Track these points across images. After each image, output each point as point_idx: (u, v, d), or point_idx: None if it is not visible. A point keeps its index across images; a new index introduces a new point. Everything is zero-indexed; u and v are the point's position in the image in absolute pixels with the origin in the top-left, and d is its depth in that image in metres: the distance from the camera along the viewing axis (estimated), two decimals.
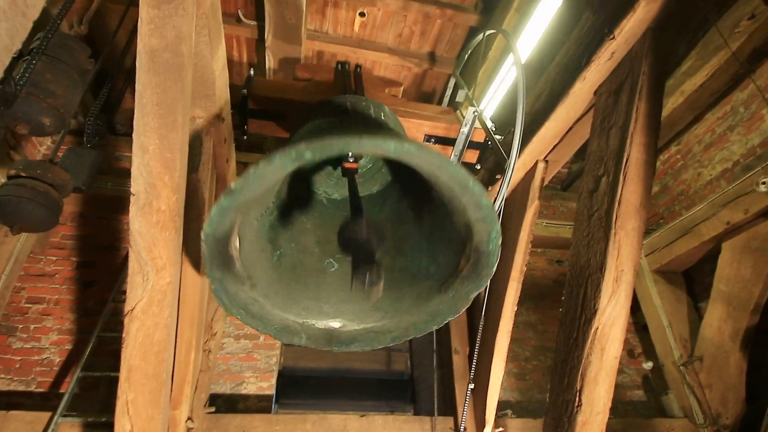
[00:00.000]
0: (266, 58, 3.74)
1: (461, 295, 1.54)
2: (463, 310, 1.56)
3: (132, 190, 1.71)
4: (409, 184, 1.78)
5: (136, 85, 1.65)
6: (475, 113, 2.58)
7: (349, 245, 1.25)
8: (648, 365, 4.35)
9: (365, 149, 1.31)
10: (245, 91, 2.38)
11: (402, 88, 2.90)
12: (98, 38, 3.79)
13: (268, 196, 1.57)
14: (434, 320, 1.58)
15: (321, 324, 1.66)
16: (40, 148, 4.04)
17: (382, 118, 1.88)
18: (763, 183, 3.35)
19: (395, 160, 1.57)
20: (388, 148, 1.17)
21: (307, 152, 1.10)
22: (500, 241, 1.35)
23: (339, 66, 2.78)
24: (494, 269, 1.43)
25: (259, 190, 1.29)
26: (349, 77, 2.66)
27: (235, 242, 1.38)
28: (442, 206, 1.55)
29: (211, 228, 1.24)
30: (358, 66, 2.81)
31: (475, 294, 1.53)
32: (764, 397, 3.31)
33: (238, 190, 1.18)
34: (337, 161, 1.75)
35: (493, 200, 2.29)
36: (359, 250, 1.21)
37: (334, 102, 1.97)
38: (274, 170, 1.18)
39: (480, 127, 2.67)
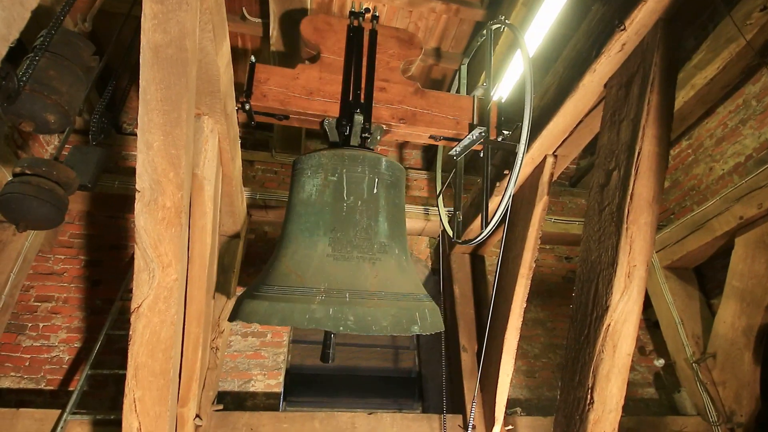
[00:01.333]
0: (271, 54, 3.72)
1: None
2: None
3: (137, 186, 1.70)
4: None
5: (140, 81, 1.64)
6: (482, 134, 2.51)
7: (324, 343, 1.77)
8: (660, 362, 4.29)
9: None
10: (248, 103, 2.33)
11: (421, 53, 2.77)
12: (103, 36, 3.79)
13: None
14: None
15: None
16: (48, 147, 4.06)
17: (375, 191, 1.98)
18: None
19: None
20: (368, 330, 1.54)
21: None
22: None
23: (352, 23, 2.61)
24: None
25: None
26: (362, 47, 2.55)
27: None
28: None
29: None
30: (374, 18, 2.62)
31: None
32: None
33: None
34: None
35: (501, 196, 2.27)
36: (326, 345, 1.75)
37: (330, 167, 2.00)
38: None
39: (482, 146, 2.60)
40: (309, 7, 3.43)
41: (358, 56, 2.54)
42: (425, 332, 1.67)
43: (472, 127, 2.60)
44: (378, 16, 2.68)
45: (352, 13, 2.64)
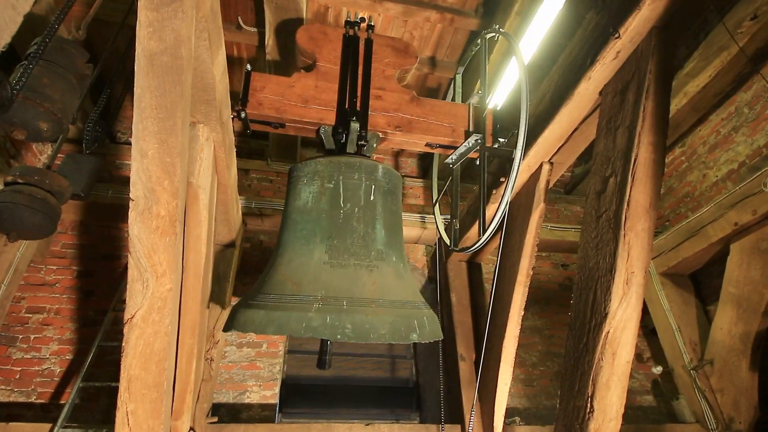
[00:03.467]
0: (266, 63, 3.73)
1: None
2: None
3: (131, 195, 1.67)
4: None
5: (134, 89, 1.63)
6: (478, 141, 2.52)
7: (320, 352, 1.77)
8: (657, 370, 4.28)
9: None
10: (243, 111, 2.32)
11: (416, 62, 2.78)
12: (97, 44, 3.78)
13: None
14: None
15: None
16: (41, 156, 4.02)
17: (371, 199, 1.97)
18: None
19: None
20: (366, 338, 1.51)
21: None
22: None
23: (347, 33, 2.62)
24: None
25: None
26: (357, 56, 2.56)
27: None
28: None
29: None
30: (370, 27, 2.64)
31: None
32: None
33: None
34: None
35: (498, 203, 2.26)
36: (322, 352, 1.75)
37: (327, 175, 1.99)
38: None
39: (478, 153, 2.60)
40: (305, 16, 3.45)
41: (353, 65, 2.55)
42: (424, 340, 1.65)
43: (468, 135, 2.60)
44: (373, 26, 2.70)
45: (347, 22, 2.65)
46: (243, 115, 2.31)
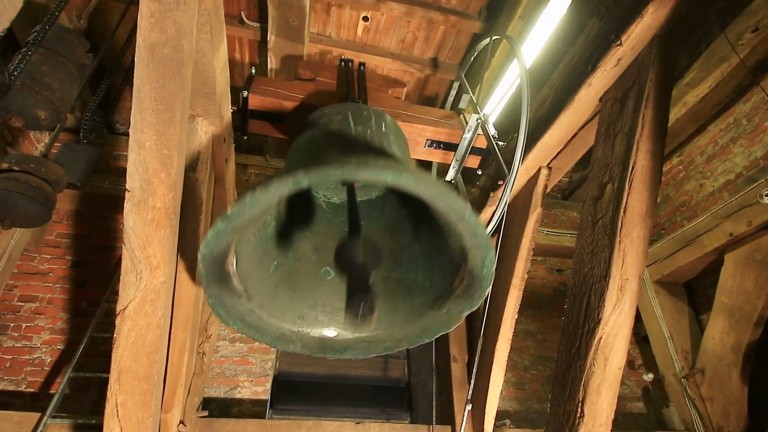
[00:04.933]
0: (268, 59, 3.72)
1: (454, 312, 1.56)
2: (455, 326, 1.58)
3: (127, 186, 1.67)
4: (408, 196, 1.78)
5: (134, 80, 1.62)
6: (479, 120, 2.55)
7: (345, 268, 1.25)
8: (648, 377, 4.30)
9: (363, 177, 1.32)
10: (245, 93, 2.34)
11: (405, 90, 2.88)
12: (98, 34, 3.76)
13: (265, 214, 1.56)
14: (426, 334, 1.61)
15: (316, 332, 1.68)
16: (38, 146, 4.00)
17: (383, 129, 1.85)
18: (767, 195, 3.33)
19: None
20: (386, 178, 1.17)
21: (304, 180, 1.11)
22: (494, 267, 1.39)
23: (342, 63, 2.77)
24: (487, 292, 1.46)
25: (255, 213, 1.29)
26: (353, 76, 2.63)
27: (232, 260, 1.40)
28: (439, 227, 1.56)
29: (207, 249, 1.27)
30: (361, 64, 2.79)
31: (467, 313, 1.54)
32: (767, 410, 3.27)
33: (235, 216, 1.20)
34: None
35: (495, 206, 2.27)
36: (355, 276, 1.20)
37: (335, 110, 1.93)
38: (271, 196, 1.20)
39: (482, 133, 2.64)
40: (308, 13, 3.44)
41: (350, 82, 2.65)
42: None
43: (465, 127, 2.63)
44: (365, 63, 2.95)
45: (341, 60, 2.88)
46: (244, 97, 2.34)
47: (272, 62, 3.72)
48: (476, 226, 1.28)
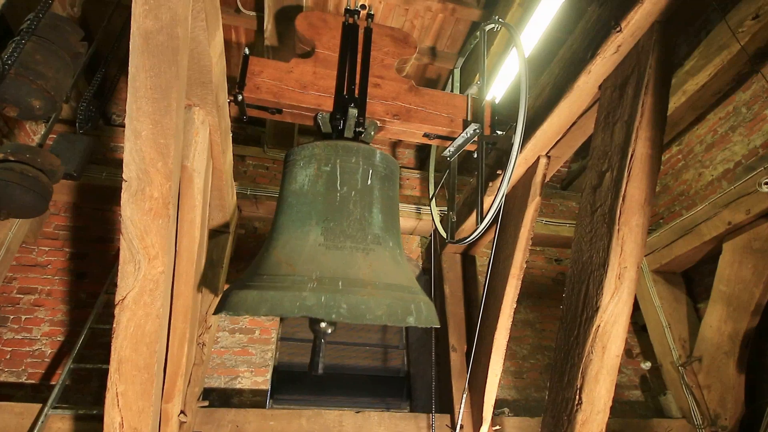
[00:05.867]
0: (264, 46, 3.69)
1: None
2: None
3: (124, 176, 1.66)
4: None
5: (129, 68, 1.60)
6: (476, 131, 2.52)
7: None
8: (646, 365, 4.33)
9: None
10: (240, 97, 2.31)
11: (416, 51, 2.77)
12: (92, 22, 3.72)
13: None
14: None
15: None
16: (34, 137, 3.98)
17: (370, 176, 1.94)
18: (766, 183, 3.32)
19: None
20: (362, 319, 1.47)
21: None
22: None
23: (347, 20, 2.61)
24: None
25: None
26: (356, 44, 2.54)
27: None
28: None
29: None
30: (369, 17, 2.62)
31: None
32: (763, 398, 3.30)
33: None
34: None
35: (493, 196, 2.26)
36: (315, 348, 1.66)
37: (323, 157, 1.95)
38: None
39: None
40: (304, 3, 3.40)
41: (353, 53, 2.53)
42: (421, 325, 1.60)
43: (466, 124, 2.59)
44: (373, 15, 2.68)
45: (347, 10, 2.64)
46: (240, 98, 2.29)
47: (269, 53, 3.68)
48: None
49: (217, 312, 1.63)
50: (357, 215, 1.80)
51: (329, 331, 1.63)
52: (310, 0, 3.76)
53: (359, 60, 2.52)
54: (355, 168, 1.92)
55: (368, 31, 2.63)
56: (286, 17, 3.49)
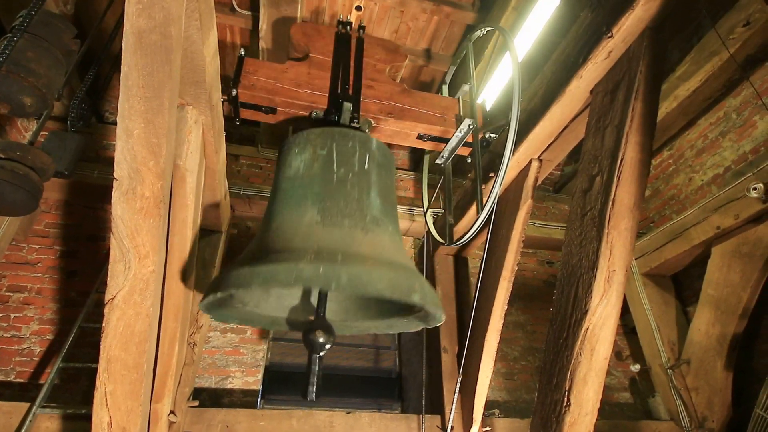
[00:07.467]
0: (260, 48, 3.68)
1: (414, 324, 1.87)
2: (417, 329, 1.89)
3: (115, 174, 1.65)
4: None
5: (122, 67, 1.60)
6: (471, 126, 2.54)
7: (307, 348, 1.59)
8: (635, 368, 4.36)
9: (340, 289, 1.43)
10: (234, 92, 2.32)
11: (407, 60, 2.82)
12: (85, 20, 3.70)
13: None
14: (390, 328, 1.95)
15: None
16: (26, 134, 3.94)
17: (367, 160, 1.92)
18: (754, 189, 3.37)
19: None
20: (363, 289, 1.37)
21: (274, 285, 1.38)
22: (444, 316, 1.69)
23: (339, 28, 2.64)
24: (440, 323, 1.74)
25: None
26: (349, 50, 2.57)
27: (231, 292, 1.55)
28: None
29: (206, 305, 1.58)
30: (360, 28, 2.66)
31: (423, 327, 1.87)
32: (750, 401, 3.33)
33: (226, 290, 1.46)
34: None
35: (485, 198, 2.28)
36: (311, 367, 1.57)
37: (320, 141, 1.90)
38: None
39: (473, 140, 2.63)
40: (300, 1, 3.40)
41: (346, 57, 2.59)
42: (425, 304, 1.46)
43: (459, 120, 2.62)
44: (365, 27, 2.76)
45: (339, 22, 2.73)
46: (234, 93, 2.30)
47: (264, 53, 3.68)
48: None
49: (204, 298, 1.49)
50: (355, 196, 1.71)
51: (327, 346, 1.52)
52: (305, 6, 3.76)
53: (352, 63, 2.57)
54: (352, 151, 1.84)
55: (360, 41, 2.71)
56: (281, 17, 3.49)
